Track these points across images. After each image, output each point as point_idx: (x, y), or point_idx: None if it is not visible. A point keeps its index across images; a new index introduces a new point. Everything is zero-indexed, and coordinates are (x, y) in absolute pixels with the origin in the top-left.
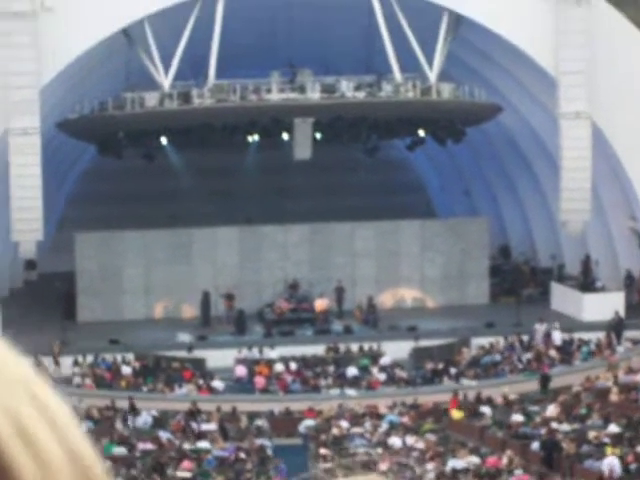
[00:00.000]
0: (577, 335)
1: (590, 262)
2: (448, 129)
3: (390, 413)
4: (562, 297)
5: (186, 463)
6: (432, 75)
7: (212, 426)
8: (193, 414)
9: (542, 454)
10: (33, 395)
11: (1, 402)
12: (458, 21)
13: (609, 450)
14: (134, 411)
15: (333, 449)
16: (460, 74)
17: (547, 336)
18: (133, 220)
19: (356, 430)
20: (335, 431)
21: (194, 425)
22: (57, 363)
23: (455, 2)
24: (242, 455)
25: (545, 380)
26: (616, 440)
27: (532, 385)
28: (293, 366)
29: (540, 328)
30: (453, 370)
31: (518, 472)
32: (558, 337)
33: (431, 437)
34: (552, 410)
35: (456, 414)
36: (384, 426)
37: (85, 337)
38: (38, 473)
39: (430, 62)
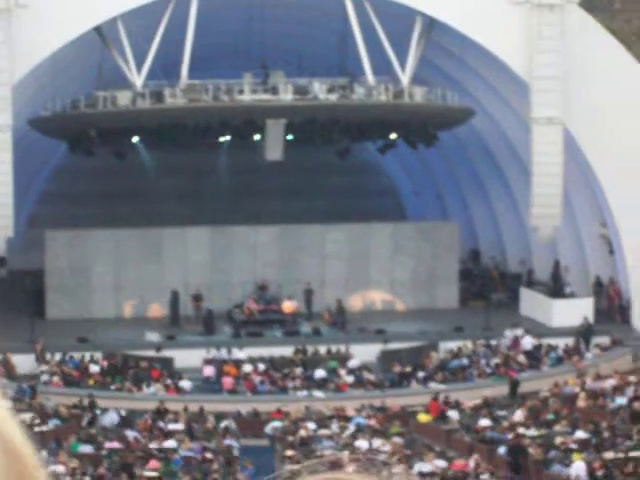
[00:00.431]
0: (546, 340)
1: (560, 268)
2: (420, 133)
3: (357, 416)
4: (531, 302)
5: (153, 462)
6: (405, 78)
7: (179, 426)
8: (160, 413)
9: (509, 459)
10: None
11: None
12: (431, 25)
13: (576, 456)
14: (93, 409)
15: (300, 451)
16: (433, 78)
17: (515, 341)
18: (104, 218)
19: (323, 432)
20: (302, 433)
21: (161, 424)
22: (42, 360)
23: (429, 6)
24: (209, 455)
25: (514, 385)
26: (583, 446)
27: (500, 390)
28: (261, 367)
29: (510, 333)
30: (421, 373)
31: (485, 476)
32: (529, 342)
33: (398, 440)
34: (519, 415)
35: (424, 417)
36: (351, 428)
37: (54, 335)
38: None
39: (403, 65)
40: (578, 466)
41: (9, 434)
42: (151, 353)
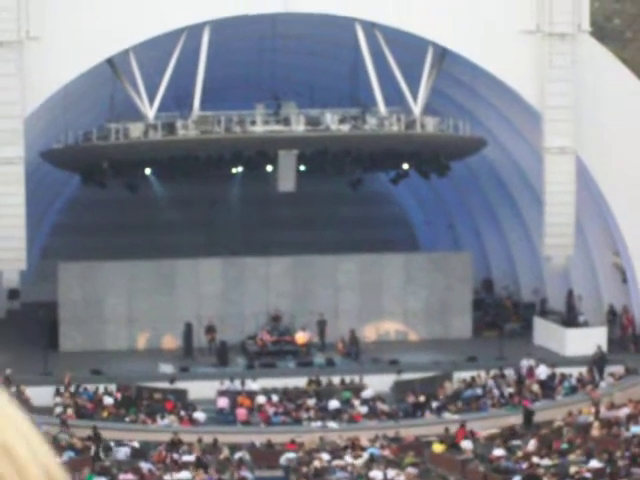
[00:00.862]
0: (559, 370)
1: (573, 297)
2: (432, 163)
3: (371, 446)
4: (545, 331)
5: None
6: (417, 109)
7: (193, 457)
8: (174, 445)
9: None
10: (14, 422)
11: None
12: (443, 55)
13: None
14: (99, 442)
15: None
16: (445, 108)
17: (530, 370)
18: (116, 250)
19: (337, 463)
20: (316, 463)
21: (175, 456)
22: (69, 394)
23: (440, 36)
24: None
25: (529, 415)
26: (597, 475)
27: (513, 419)
28: (275, 398)
29: (526, 363)
30: (435, 403)
31: None
32: (543, 371)
33: (412, 470)
34: (532, 445)
35: (438, 447)
36: (365, 457)
37: (67, 367)
38: None
39: (415, 96)
40: None
41: (48, 464)
42: (165, 385)
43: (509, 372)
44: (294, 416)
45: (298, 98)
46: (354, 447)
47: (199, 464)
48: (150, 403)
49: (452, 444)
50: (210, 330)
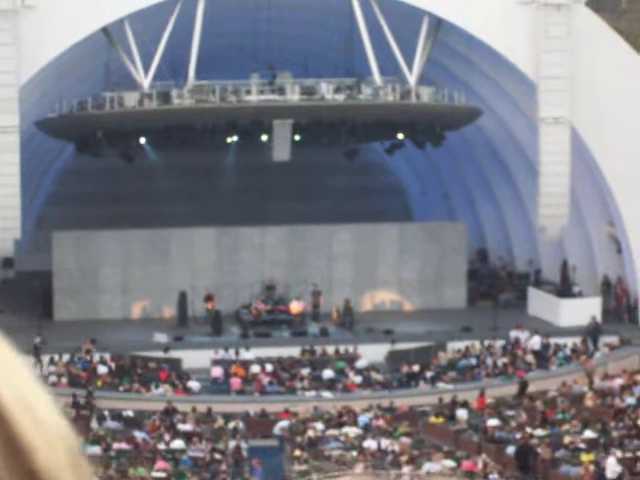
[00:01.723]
0: (554, 340)
1: (567, 267)
2: (427, 133)
3: (363, 415)
4: (539, 302)
5: (161, 463)
6: (412, 78)
7: (188, 426)
8: (169, 413)
9: (517, 459)
10: (34, 385)
11: (6, 381)
12: (438, 25)
13: (584, 456)
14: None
15: (308, 451)
16: (440, 78)
17: (517, 343)
18: (111, 220)
19: (331, 432)
20: (310, 433)
21: (169, 425)
22: (63, 363)
23: (435, 6)
24: (217, 456)
25: (523, 385)
26: (591, 445)
27: (508, 389)
28: (269, 368)
29: (514, 334)
30: (429, 374)
31: (493, 476)
32: (537, 342)
33: (406, 440)
34: (524, 416)
35: (435, 420)
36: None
37: (62, 336)
38: (45, 446)
39: (410, 65)
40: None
41: (61, 425)
42: (159, 354)
43: (499, 343)
44: (288, 385)
45: (293, 68)
46: (348, 415)
47: (193, 433)
48: (144, 372)
49: (450, 416)
50: (209, 299)
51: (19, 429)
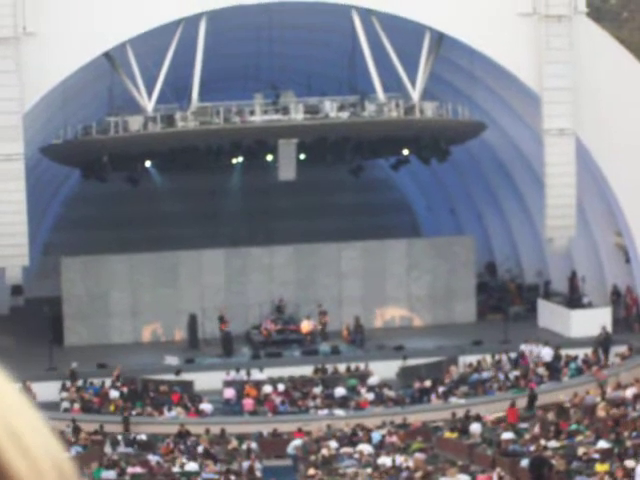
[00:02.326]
0: (565, 351)
1: (576, 278)
2: (432, 148)
3: (376, 431)
4: (549, 314)
5: None
6: (415, 94)
7: (201, 449)
8: (182, 437)
9: (532, 471)
10: (22, 410)
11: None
12: (440, 40)
13: (598, 466)
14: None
15: (322, 469)
16: (443, 93)
17: (522, 355)
18: (118, 244)
19: (345, 450)
20: (324, 451)
21: (183, 448)
22: (75, 389)
23: (437, 21)
24: (232, 477)
25: (532, 398)
26: (605, 456)
27: (520, 402)
28: (281, 387)
29: (525, 348)
30: (441, 388)
31: None
32: (547, 353)
33: (420, 456)
34: (537, 429)
35: (449, 435)
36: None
37: (73, 362)
38: (31, 474)
39: (413, 81)
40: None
41: (56, 454)
42: (171, 377)
43: (505, 357)
44: (300, 405)
45: (296, 87)
46: (362, 432)
47: (208, 455)
48: (156, 396)
49: (463, 430)
50: (222, 320)
51: (5, 458)
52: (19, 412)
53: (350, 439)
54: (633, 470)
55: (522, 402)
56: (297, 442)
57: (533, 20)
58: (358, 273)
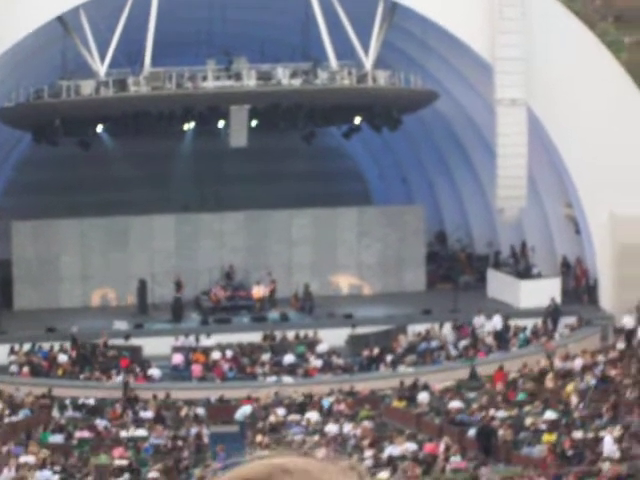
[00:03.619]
0: (514, 322)
1: (526, 248)
2: (384, 116)
3: (325, 399)
4: (498, 284)
5: (121, 450)
6: (368, 62)
7: (149, 414)
8: (130, 402)
9: (479, 441)
10: None
11: None
12: (393, 8)
13: (545, 437)
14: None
15: (270, 436)
16: (396, 61)
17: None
18: (69, 208)
19: (293, 418)
20: (272, 418)
21: (131, 413)
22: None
23: None
24: (179, 443)
25: (474, 368)
26: (553, 427)
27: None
28: (229, 354)
29: (477, 321)
30: (390, 357)
31: (455, 459)
32: (499, 322)
33: (368, 424)
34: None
35: (398, 404)
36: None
37: (22, 325)
38: None
39: (366, 49)
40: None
41: None
42: (120, 342)
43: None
44: (249, 372)
45: (249, 53)
46: (311, 402)
47: (157, 420)
48: (105, 360)
49: (411, 398)
50: (179, 285)
51: None
52: None
53: (298, 406)
54: (581, 441)
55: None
56: (247, 409)
57: None
58: (309, 240)
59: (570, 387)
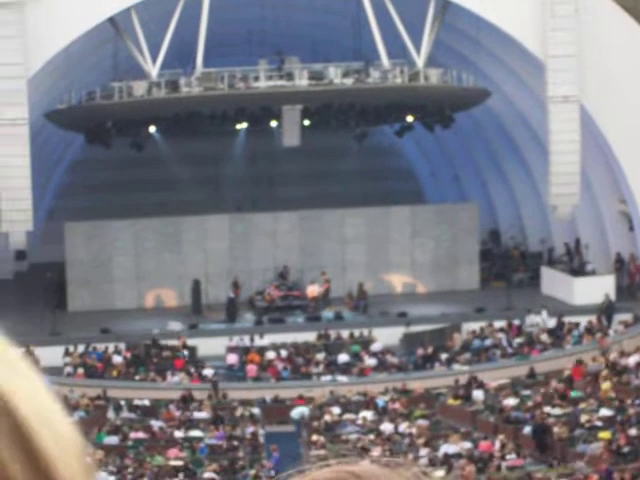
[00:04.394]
0: (568, 319)
1: (580, 246)
2: (436, 115)
3: (380, 398)
4: (552, 281)
5: (174, 451)
6: (420, 61)
7: (204, 414)
8: (186, 402)
9: (534, 438)
10: (42, 387)
11: (25, 396)
12: (445, 6)
13: (601, 434)
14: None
15: (325, 435)
16: (448, 59)
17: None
18: (122, 209)
19: (348, 417)
20: (327, 417)
21: (187, 413)
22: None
23: None
24: (235, 443)
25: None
26: (608, 423)
27: (524, 369)
28: (284, 353)
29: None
30: (444, 355)
31: (511, 456)
32: (546, 318)
33: (423, 423)
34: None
35: (452, 402)
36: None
37: (76, 327)
38: (61, 455)
39: (418, 48)
40: None
41: (70, 432)
42: (174, 342)
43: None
44: (303, 371)
45: (301, 53)
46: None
47: (213, 420)
48: (159, 361)
49: (466, 397)
50: (236, 286)
51: (39, 442)
52: (46, 399)
53: (353, 405)
54: (636, 438)
55: (525, 369)
56: (304, 410)
57: None
58: (362, 239)
59: (606, 385)
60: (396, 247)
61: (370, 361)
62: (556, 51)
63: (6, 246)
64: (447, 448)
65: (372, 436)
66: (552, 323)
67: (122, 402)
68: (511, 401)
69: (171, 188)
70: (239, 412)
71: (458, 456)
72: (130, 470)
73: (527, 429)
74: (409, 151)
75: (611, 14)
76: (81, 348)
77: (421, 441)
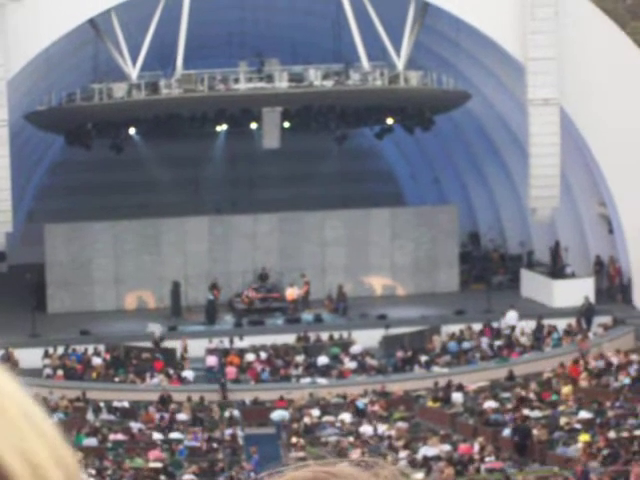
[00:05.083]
0: (547, 321)
1: (559, 248)
2: (416, 117)
3: (359, 400)
4: (532, 284)
5: (154, 453)
6: (400, 63)
7: (183, 416)
8: (165, 403)
9: (514, 440)
10: (35, 425)
11: (15, 444)
12: (425, 9)
13: (581, 436)
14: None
15: (305, 438)
16: (428, 62)
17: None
18: (102, 211)
19: (327, 419)
20: (307, 420)
21: (166, 415)
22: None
23: None
24: (214, 445)
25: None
26: (587, 426)
27: (503, 372)
28: (263, 355)
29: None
30: (424, 358)
31: (490, 459)
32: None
33: (402, 425)
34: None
35: (432, 404)
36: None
37: (55, 328)
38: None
39: (398, 50)
40: None
41: (68, 459)
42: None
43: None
44: (283, 373)
45: (281, 55)
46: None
47: (194, 422)
48: (139, 363)
49: (445, 399)
50: (215, 287)
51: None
52: (34, 432)
53: (332, 408)
54: (615, 440)
55: (505, 372)
56: (284, 413)
57: None
58: (341, 241)
59: (566, 389)
60: (376, 249)
61: (350, 363)
62: (536, 54)
63: None
64: (426, 450)
65: (351, 438)
66: (524, 324)
67: (101, 404)
68: (491, 403)
69: (151, 190)
70: (220, 414)
71: (437, 458)
72: (109, 472)
73: (506, 431)
74: (389, 153)
75: (591, 17)
76: (60, 350)
77: (400, 443)
